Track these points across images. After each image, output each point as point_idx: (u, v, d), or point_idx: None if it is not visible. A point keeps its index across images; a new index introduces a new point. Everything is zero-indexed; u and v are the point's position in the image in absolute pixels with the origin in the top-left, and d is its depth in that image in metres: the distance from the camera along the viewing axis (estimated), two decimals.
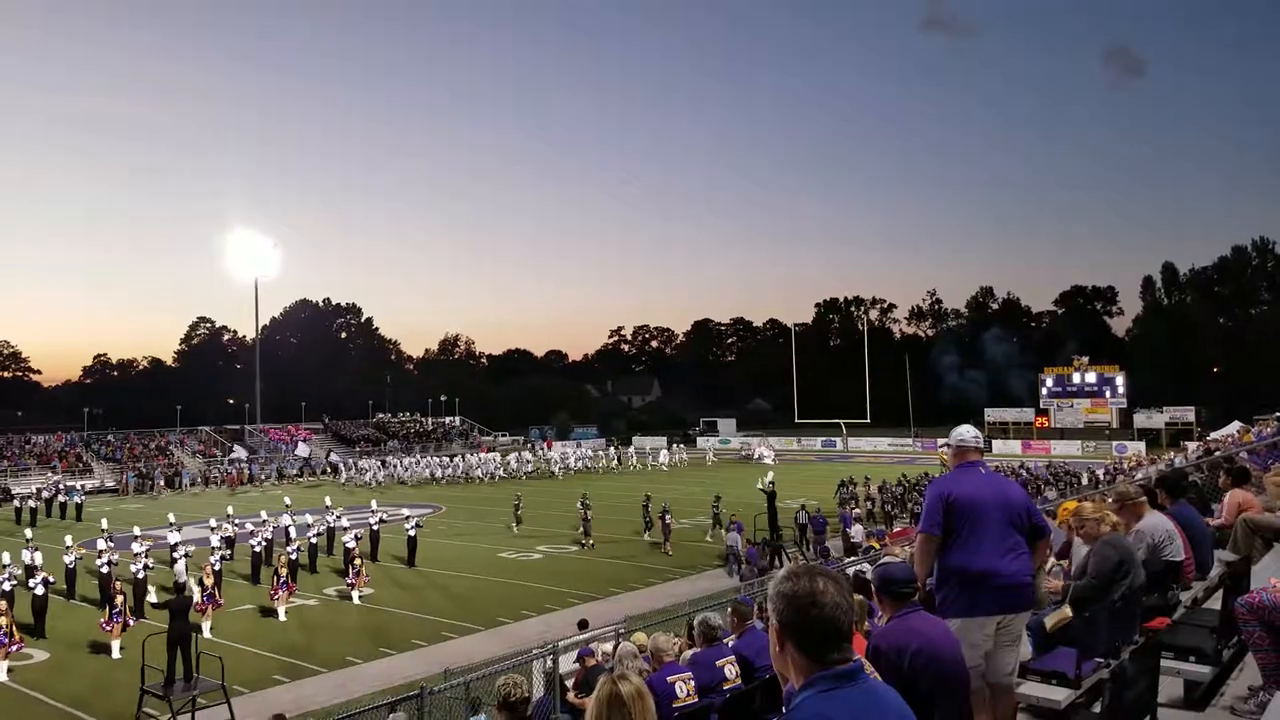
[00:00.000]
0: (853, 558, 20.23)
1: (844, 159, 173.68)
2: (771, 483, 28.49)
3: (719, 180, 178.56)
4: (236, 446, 58.07)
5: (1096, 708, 4.82)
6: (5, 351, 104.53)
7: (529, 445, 74.95)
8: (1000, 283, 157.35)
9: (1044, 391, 69.97)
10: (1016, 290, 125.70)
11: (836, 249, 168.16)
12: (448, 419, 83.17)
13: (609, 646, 11.23)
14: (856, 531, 26.62)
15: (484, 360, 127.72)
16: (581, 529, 29.92)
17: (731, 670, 7.18)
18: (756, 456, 64.14)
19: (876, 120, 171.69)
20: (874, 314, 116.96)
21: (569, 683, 10.38)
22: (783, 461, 61.82)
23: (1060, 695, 4.99)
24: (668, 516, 29.38)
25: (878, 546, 14.53)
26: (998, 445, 64.63)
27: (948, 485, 4.90)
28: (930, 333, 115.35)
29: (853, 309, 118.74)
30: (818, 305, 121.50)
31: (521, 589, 23.75)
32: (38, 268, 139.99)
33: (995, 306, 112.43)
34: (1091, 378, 68.22)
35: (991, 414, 71.78)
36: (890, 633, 4.09)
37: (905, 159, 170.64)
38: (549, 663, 11.26)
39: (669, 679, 6.51)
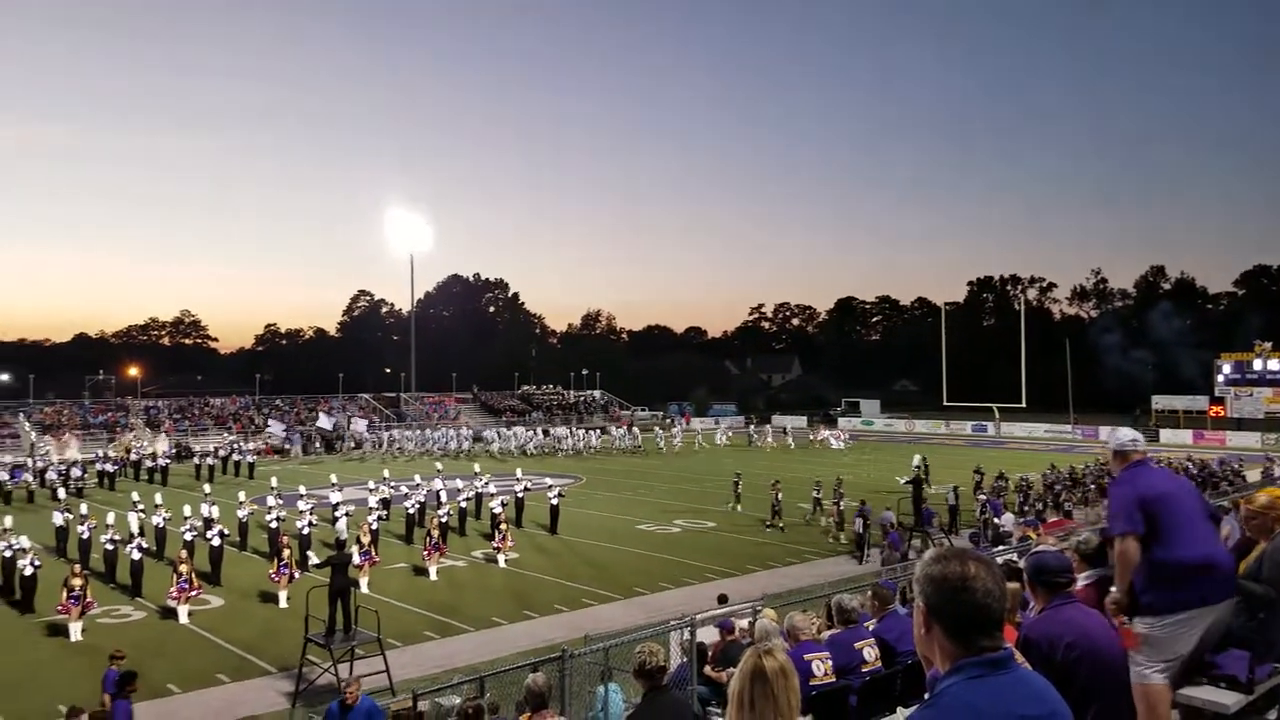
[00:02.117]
0: (1001, 547, 19.51)
1: (1000, 129, 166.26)
2: (918, 467, 27.78)
3: (864, 154, 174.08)
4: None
5: (1272, 714, 4.51)
6: (187, 321, 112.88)
7: (667, 420, 75.44)
8: (1173, 261, 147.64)
9: (1220, 379, 65.10)
10: (1191, 270, 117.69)
11: (991, 225, 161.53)
12: (588, 392, 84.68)
13: (745, 623, 11.24)
14: (1006, 520, 25.65)
15: (624, 336, 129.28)
16: (772, 510, 28.64)
17: (871, 653, 7.10)
18: (822, 439, 62.25)
19: (1036, 87, 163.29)
20: (1032, 293, 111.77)
21: (707, 655, 10.44)
22: (927, 445, 60.00)
23: (1230, 700, 4.69)
24: (823, 497, 28.61)
25: (1033, 536, 13.94)
26: (1166, 435, 60.77)
27: (1136, 480, 4.58)
28: (1093, 314, 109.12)
29: (1009, 287, 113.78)
30: (970, 283, 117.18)
31: (659, 561, 24.04)
32: (217, 243, 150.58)
33: (1167, 286, 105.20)
34: (1275, 365, 63.05)
35: (1160, 400, 67.47)
36: (1042, 623, 3.95)
37: (1067, 129, 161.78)
38: (686, 634, 11.35)
39: (805, 656, 6.48)
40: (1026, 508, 29.05)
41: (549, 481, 29.33)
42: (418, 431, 58.68)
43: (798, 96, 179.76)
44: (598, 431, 61.71)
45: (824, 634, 7.78)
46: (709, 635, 11.33)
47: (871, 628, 7.84)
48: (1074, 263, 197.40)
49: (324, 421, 57.23)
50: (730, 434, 65.36)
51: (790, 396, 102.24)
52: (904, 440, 65.81)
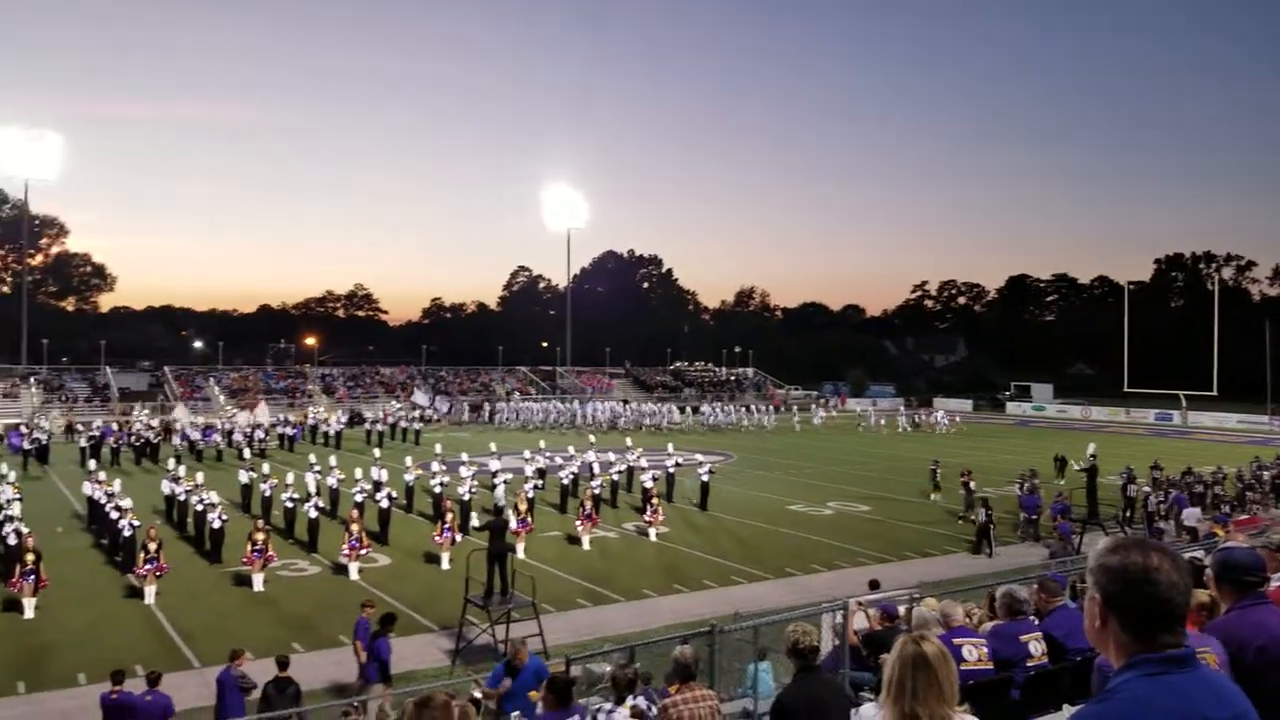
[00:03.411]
0: (1187, 542, 18.25)
1: (1187, 91, 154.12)
2: (1093, 456, 26.33)
3: (1037, 120, 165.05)
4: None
5: None
6: (360, 294, 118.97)
7: (822, 400, 74.24)
8: None
9: None
10: None
11: (1181, 198, 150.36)
12: (741, 370, 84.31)
13: (901, 610, 10.95)
14: (1189, 515, 23.96)
15: (779, 313, 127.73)
16: (965, 503, 26.65)
17: (1037, 647, 6.79)
18: (932, 422, 59.24)
19: (1239, 58, 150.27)
20: (1227, 272, 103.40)
21: (859, 639, 10.24)
22: (1104, 434, 56.69)
23: None
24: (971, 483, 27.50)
25: (1221, 534, 12.96)
26: None
27: None
28: None
29: (1201, 266, 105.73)
30: (1158, 261, 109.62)
31: (811, 542, 23.75)
32: (388, 220, 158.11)
33: None
34: None
35: None
36: (1229, 624, 3.62)
37: (1267, 87, 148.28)
38: (839, 617, 11.15)
39: (955, 641, 6.27)
40: (1218, 504, 27.10)
41: (699, 458, 29.42)
42: (522, 404, 60.22)
43: (970, 65, 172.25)
44: (747, 409, 61.41)
45: (985, 625, 7.49)
46: (862, 620, 11.10)
47: (1039, 621, 7.48)
48: (1276, 240, 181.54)
49: (419, 397, 58.94)
50: (833, 414, 63.53)
51: (954, 378, 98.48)
52: (1079, 428, 62.33)
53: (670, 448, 31.92)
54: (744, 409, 60.93)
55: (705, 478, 28.16)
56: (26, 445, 36.79)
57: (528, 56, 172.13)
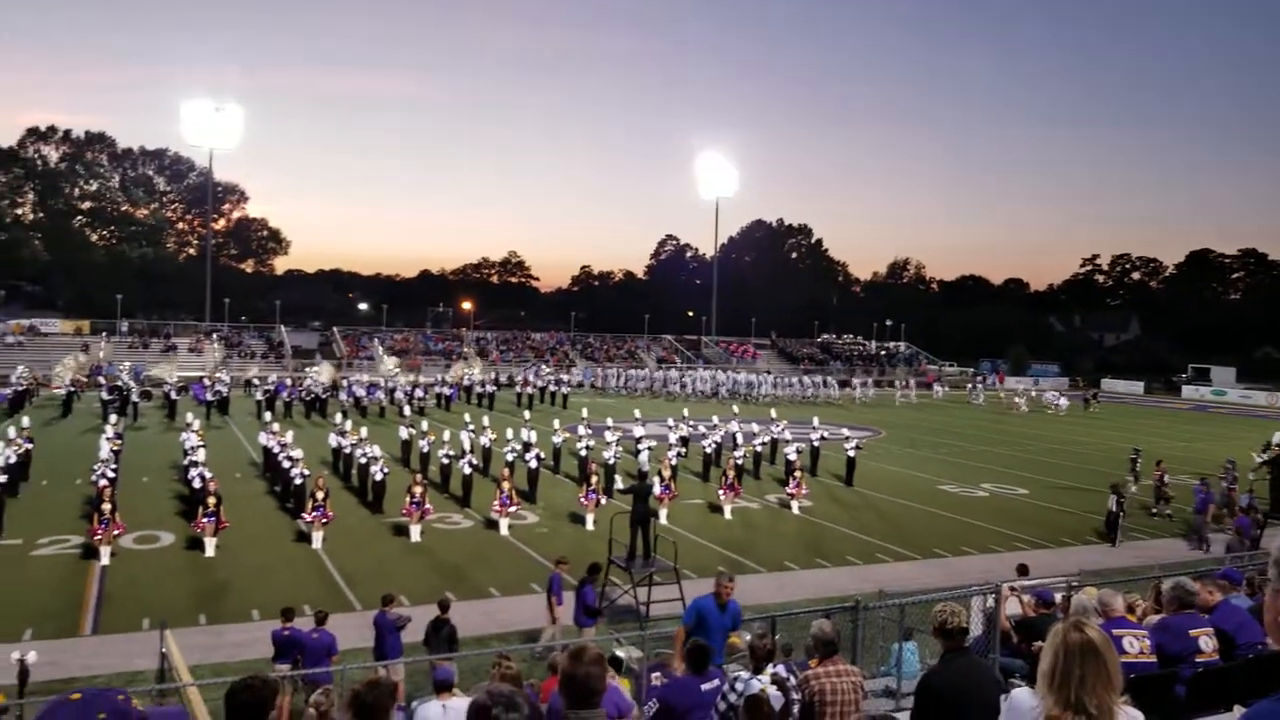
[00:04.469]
0: None
1: None
2: (1278, 445, 24.32)
3: (1223, 83, 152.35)
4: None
5: None
6: (513, 260, 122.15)
7: (979, 378, 71.46)
8: None
9: None
10: None
11: None
12: (893, 344, 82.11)
13: (1058, 597, 10.47)
14: None
15: (934, 285, 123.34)
16: (1156, 495, 25.12)
17: (1208, 643, 6.39)
18: (1053, 405, 55.22)
19: None
20: None
21: (1011, 625, 9.85)
22: None
23: None
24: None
25: None
26: None
27: None
28: None
29: None
30: None
31: (962, 524, 22.99)
32: (541, 188, 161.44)
33: None
34: None
35: None
36: None
37: None
38: (990, 601, 10.76)
39: (1115, 632, 5.93)
40: None
41: (846, 433, 28.86)
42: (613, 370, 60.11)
43: (1148, 29, 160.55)
44: (901, 385, 59.85)
45: (1151, 618, 7.07)
46: (1015, 605, 10.68)
47: (1209, 616, 7.00)
48: None
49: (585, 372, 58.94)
50: (942, 391, 60.54)
51: (1124, 359, 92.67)
52: (1263, 415, 57.76)
53: (815, 420, 31.46)
54: (897, 383, 59.44)
55: (852, 453, 27.64)
56: (209, 397, 39.69)
57: (683, 26, 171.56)
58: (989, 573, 16.05)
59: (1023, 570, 14.81)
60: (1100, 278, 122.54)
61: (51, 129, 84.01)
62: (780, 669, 6.10)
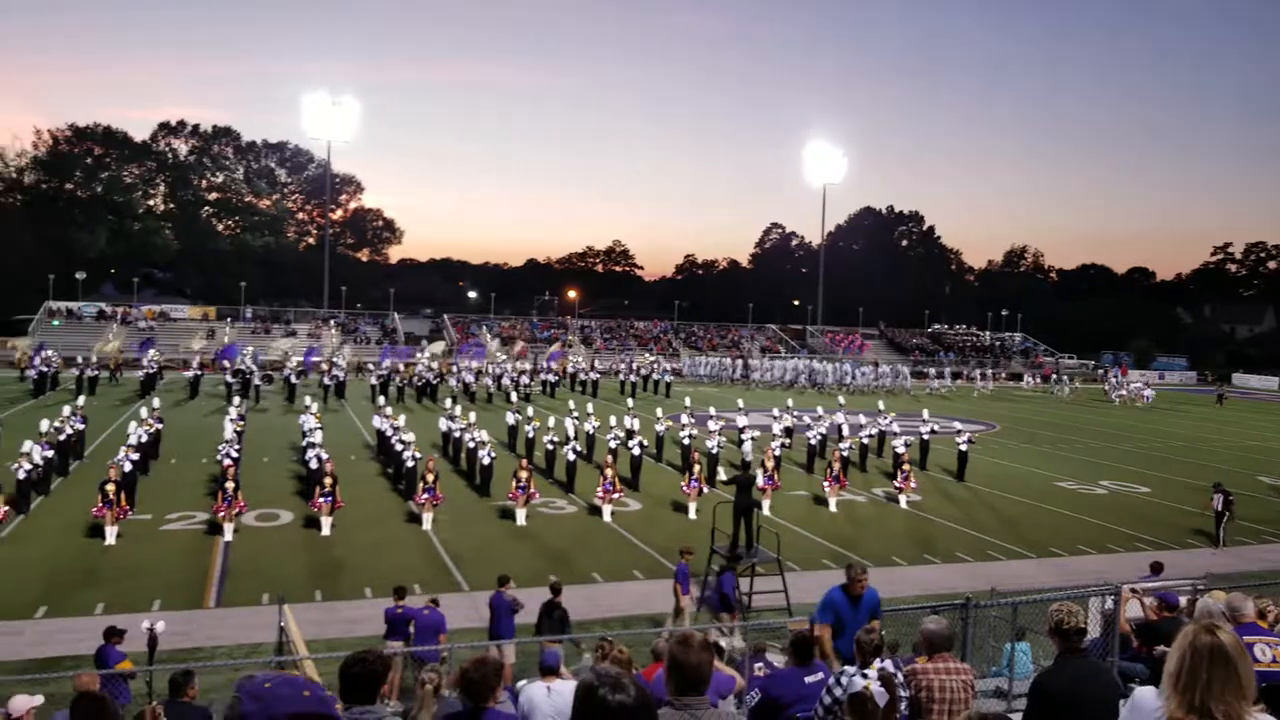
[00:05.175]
0: None
1: None
2: None
3: None
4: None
5: None
6: (618, 250, 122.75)
7: (1100, 371, 68.56)
8: None
9: None
10: None
11: None
12: (1007, 334, 79.48)
13: (1183, 600, 9.96)
14: None
15: (1053, 274, 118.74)
16: None
17: None
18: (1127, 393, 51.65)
19: None
20: None
21: (1132, 629, 9.41)
22: None
23: None
24: None
25: None
26: None
27: None
28: None
29: None
30: None
31: (1080, 523, 22.11)
32: (645, 177, 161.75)
33: None
34: None
35: None
36: None
37: None
38: (1109, 602, 10.31)
39: (1245, 639, 5.57)
40: None
41: (958, 426, 28.13)
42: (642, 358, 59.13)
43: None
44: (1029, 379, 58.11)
45: None
46: (1136, 608, 10.20)
47: None
48: None
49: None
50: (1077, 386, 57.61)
51: (1259, 352, 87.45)
52: None
53: (925, 413, 30.71)
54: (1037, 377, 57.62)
55: (963, 447, 26.88)
56: (325, 381, 41.21)
57: (791, 9, 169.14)
58: (1108, 573, 15.39)
59: (1156, 568, 14.21)
60: (1232, 267, 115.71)
61: (181, 124, 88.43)
62: (888, 664, 5.95)
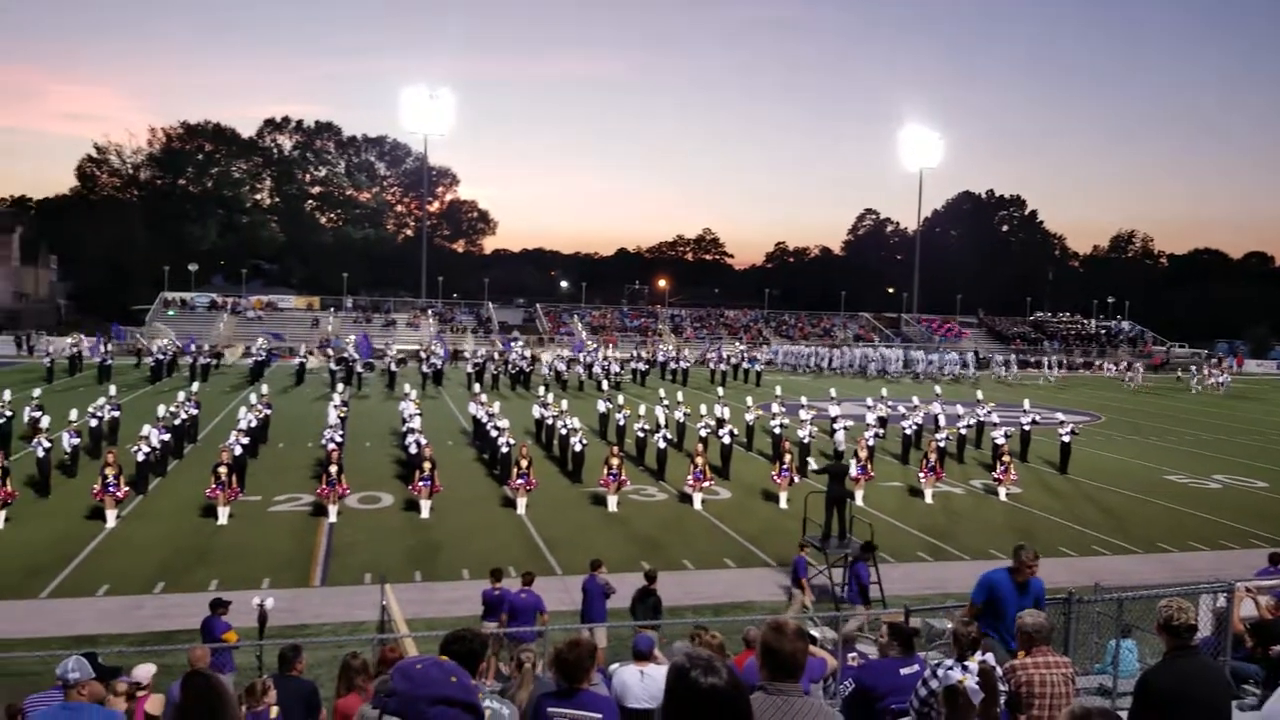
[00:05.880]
0: None
1: None
2: None
3: None
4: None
5: None
6: (708, 238, 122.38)
7: (1214, 361, 65.50)
8: None
9: None
10: None
11: None
12: (1114, 322, 76.52)
13: None
14: None
15: (1163, 260, 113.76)
16: None
17: None
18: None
19: None
20: None
21: (1246, 628, 9.02)
22: None
23: None
24: None
25: None
26: None
27: None
28: None
29: None
30: None
31: (1192, 517, 21.20)
32: (735, 165, 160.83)
33: None
34: None
35: None
36: None
37: None
38: (1222, 600, 9.89)
39: None
40: None
41: (1060, 417, 27.18)
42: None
43: None
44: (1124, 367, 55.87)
45: None
46: (1250, 607, 9.76)
47: None
48: None
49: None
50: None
51: None
52: None
53: (1026, 403, 29.82)
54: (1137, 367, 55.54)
55: (1066, 438, 26.03)
56: (424, 369, 42.26)
57: None
58: (1221, 570, 14.77)
59: (1276, 559, 13.55)
60: None
61: (285, 120, 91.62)
62: (988, 658, 5.85)
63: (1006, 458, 23.26)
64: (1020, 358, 61.16)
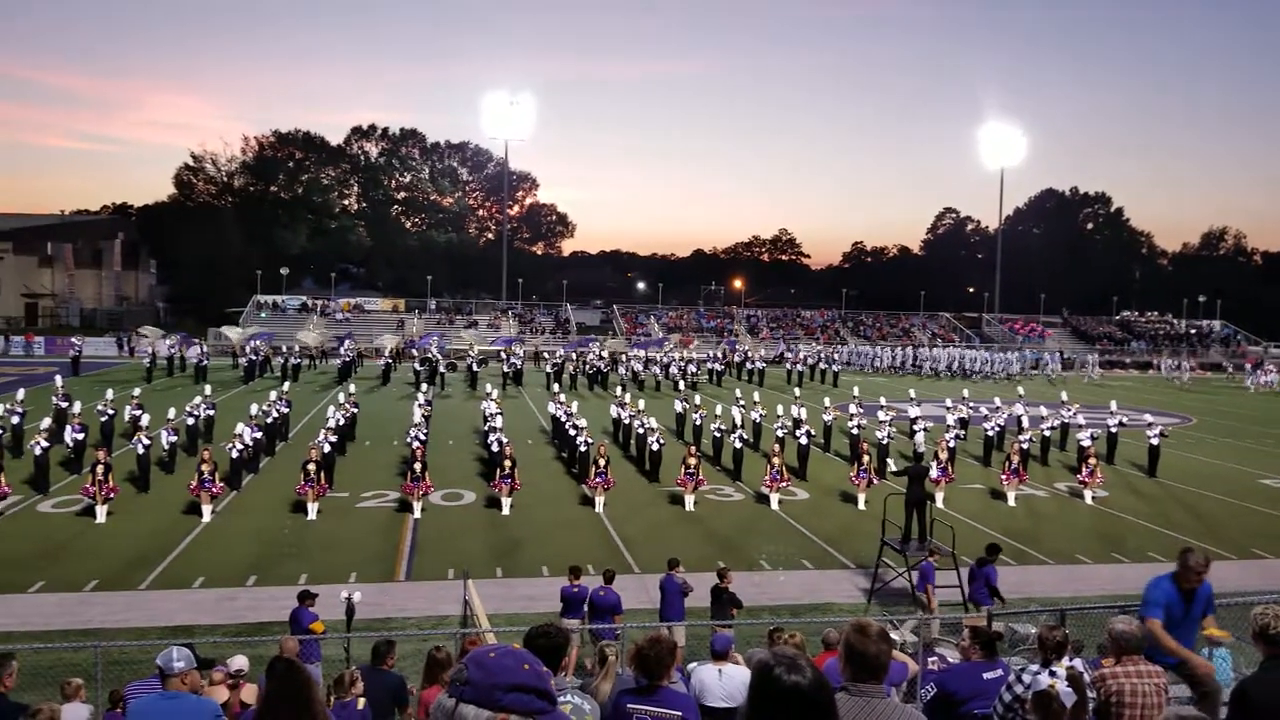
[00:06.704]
0: None
1: None
2: None
3: None
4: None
5: None
6: (784, 238, 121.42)
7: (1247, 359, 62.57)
8: None
9: None
10: None
11: None
12: (1205, 322, 73.68)
13: None
14: None
15: (1257, 258, 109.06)
16: None
17: None
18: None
19: None
20: None
21: None
22: None
23: None
24: None
25: None
26: None
27: None
28: None
29: None
30: None
31: None
32: (811, 165, 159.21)
33: None
34: None
35: None
36: None
37: None
38: None
39: None
40: None
41: (1149, 419, 26.40)
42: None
43: None
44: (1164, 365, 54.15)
45: None
46: None
47: None
48: None
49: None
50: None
51: None
52: None
53: (1113, 405, 28.97)
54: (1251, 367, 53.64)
55: (1155, 441, 25.24)
56: (505, 369, 42.91)
57: None
58: None
59: None
60: None
61: (372, 127, 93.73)
62: (1078, 663, 5.78)
63: (1093, 460, 22.67)
64: (1105, 358, 59.41)
